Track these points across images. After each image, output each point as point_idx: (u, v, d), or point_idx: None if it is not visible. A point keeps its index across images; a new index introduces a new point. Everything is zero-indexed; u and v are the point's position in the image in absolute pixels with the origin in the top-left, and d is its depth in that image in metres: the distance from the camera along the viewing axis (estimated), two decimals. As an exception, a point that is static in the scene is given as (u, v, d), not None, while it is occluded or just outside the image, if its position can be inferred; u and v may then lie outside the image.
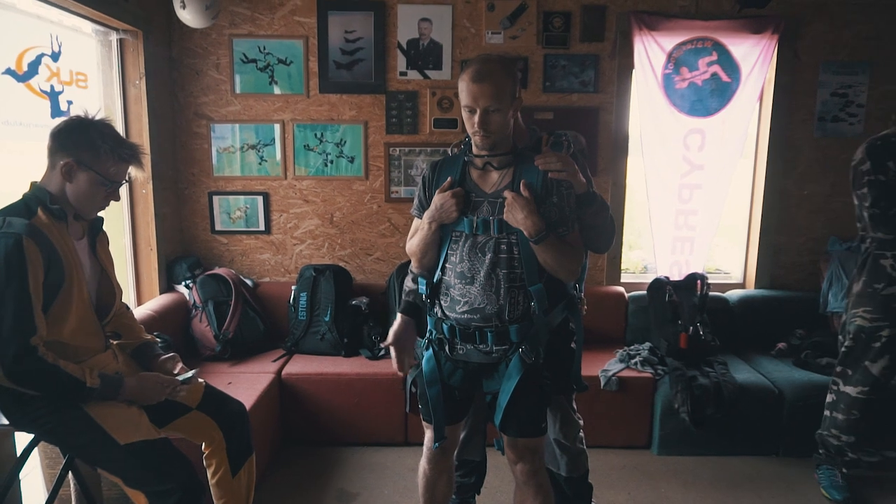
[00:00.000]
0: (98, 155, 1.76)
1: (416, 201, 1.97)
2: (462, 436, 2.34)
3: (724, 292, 3.69)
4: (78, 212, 1.83)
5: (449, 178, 1.84)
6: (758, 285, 3.76)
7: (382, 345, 2.17)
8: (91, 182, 1.78)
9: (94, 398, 1.75)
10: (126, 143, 1.83)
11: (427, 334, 1.98)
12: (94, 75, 2.99)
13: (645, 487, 2.86)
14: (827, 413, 2.74)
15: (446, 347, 1.90)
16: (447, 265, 1.86)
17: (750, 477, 2.95)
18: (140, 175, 1.93)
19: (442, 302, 1.88)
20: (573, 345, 2.03)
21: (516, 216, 1.73)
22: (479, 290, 1.80)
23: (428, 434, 2.03)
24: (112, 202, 1.88)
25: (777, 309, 3.61)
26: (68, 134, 1.76)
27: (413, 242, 1.92)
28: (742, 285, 3.86)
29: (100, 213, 1.96)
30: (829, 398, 2.74)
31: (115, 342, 2.01)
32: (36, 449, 1.94)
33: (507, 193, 1.76)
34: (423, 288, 1.94)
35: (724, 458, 3.09)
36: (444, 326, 1.88)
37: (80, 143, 1.75)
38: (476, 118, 1.73)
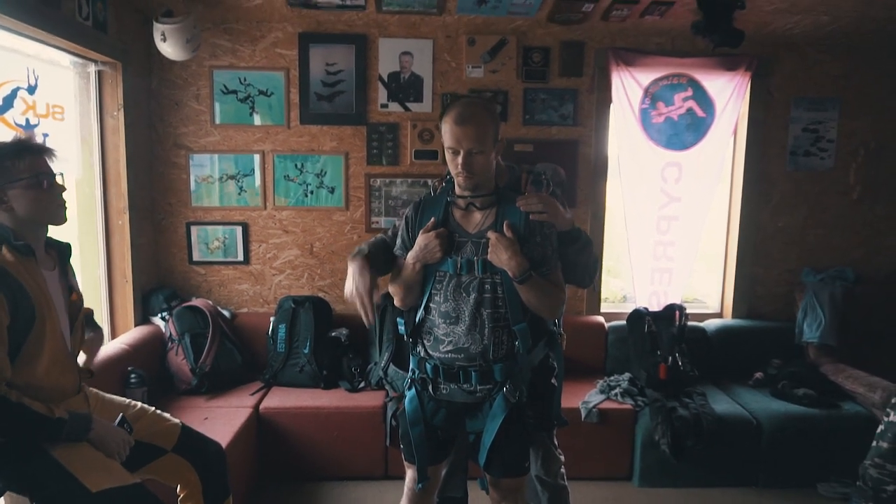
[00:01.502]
0: (4, 168, 1.69)
1: (398, 241, 1.97)
2: (444, 473, 2.32)
3: (702, 321, 3.73)
4: (48, 223, 1.80)
5: (433, 219, 1.84)
6: (735, 315, 3.81)
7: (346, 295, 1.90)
8: (23, 193, 1.71)
9: (63, 436, 1.70)
10: (12, 142, 1.75)
11: (410, 373, 1.97)
12: (71, 107, 2.96)
13: (626, 522, 2.86)
14: (874, 443, 2.68)
15: (429, 387, 1.89)
16: (431, 304, 1.86)
17: (730, 509, 2.97)
18: (56, 169, 1.84)
19: (425, 341, 1.88)
20: (554, 381, 2.04)
21: (500, 257, 1.75)
22: (464, 330, 1.81)
23: (409, 474, 2.01)
24: (66, 201, 1.83)
25: (754, 339, 3.66)
26: None
27: (395, 288, 1.92)
28: (720, 315, 3.90)
29: (68, 241, 1.95)
30: (879, 429, 2.69)
31: (86, 385, 1.96)
32: (1, 498, 1.88)
33: (490, 234, 1.78)
34: (402, 328, 1.94)
35: (705, 490, 3.10)
36: (428, 366, 1.88)
37: None
38: (460, 160, 1.75)
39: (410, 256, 1.85)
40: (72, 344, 1.87)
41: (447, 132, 1.76)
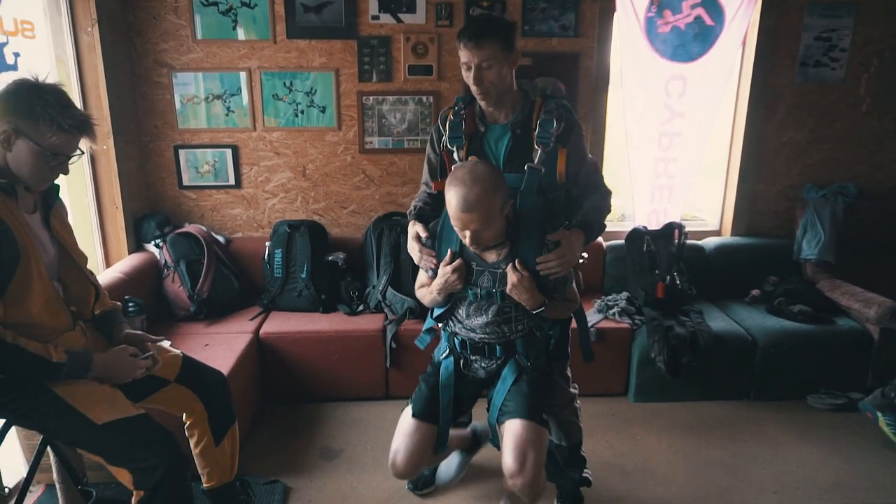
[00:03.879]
0: (37, 123, 1.61)
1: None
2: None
3: (700, 240, 3.71)
4: (24, 183, 1.72)
5: (450, 251, 1.88)
6: (734, 232, 3.78)
7: (419, 247, 1.97)
8: (30, 152, 1.64)
9: (63, 377, 1.69)
10: (71, 112, 1.67)
11: (445, 347, 2.06)
12: (42, 23, 2.77)
13: (623, 435, 2.94)
14: None
15: (460, 362, 2.02)
16: (457, 311, 1.96)
17: (722, 421, 3.05)
18: (93, 146, 1.80)
19: (454, 322, 1.99)
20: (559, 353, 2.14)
21: (520, 296, 1.81)
22: (488, 336, 1.94)
23: (394, 445, 1.99)
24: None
25: (752, 256, 3.65)
26: (7, 98, 1.62)
27: (423, 296, 2.00)
28: (718, 232, 3.88)
29: (56, 182, 1.84)
30: None
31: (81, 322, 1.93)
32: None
33: (509, 271, 1.81)
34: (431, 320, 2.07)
35: (698, 404, 3.18)
36: (456, 341, 2.00)
37: (19, 108, 1.61)
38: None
39: (435, 286, 1.89)
40: (64, 294, 1.82)
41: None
